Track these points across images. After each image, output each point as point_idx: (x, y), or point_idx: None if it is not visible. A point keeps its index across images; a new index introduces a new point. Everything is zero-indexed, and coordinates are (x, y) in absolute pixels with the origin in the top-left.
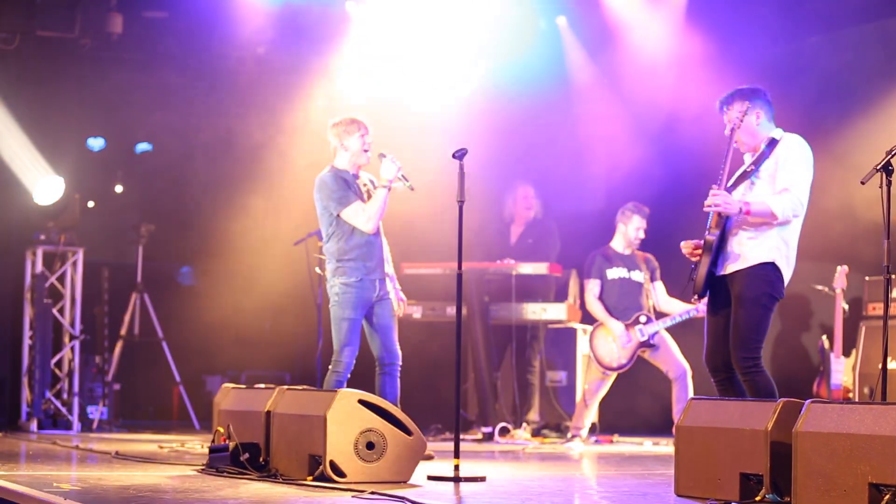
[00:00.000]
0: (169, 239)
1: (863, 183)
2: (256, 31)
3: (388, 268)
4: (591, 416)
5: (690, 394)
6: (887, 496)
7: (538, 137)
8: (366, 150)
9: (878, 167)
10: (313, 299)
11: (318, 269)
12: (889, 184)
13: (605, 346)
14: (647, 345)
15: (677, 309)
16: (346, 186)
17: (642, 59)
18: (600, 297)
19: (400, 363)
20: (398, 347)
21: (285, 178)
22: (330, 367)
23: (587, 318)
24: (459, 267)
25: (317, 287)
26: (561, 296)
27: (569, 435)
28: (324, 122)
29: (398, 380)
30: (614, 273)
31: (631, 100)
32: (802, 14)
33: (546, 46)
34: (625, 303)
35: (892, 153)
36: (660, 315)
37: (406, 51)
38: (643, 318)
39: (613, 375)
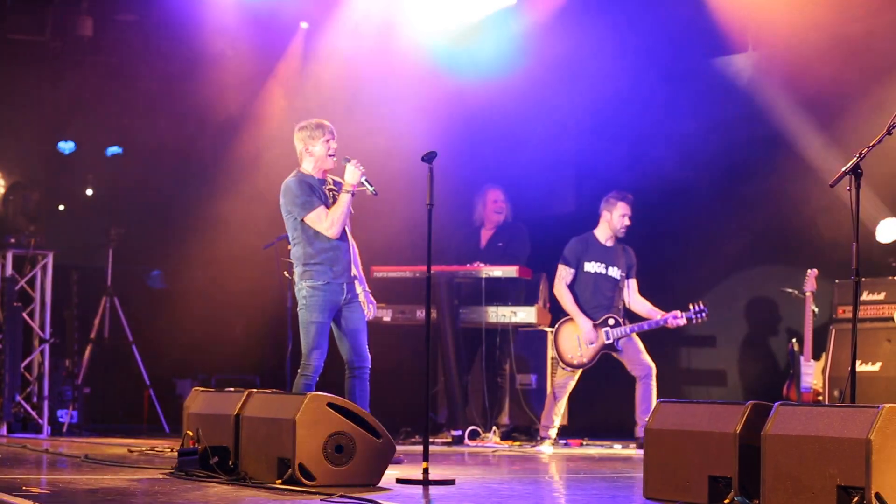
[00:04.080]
0: (139, 242)
1: (832, 186)
2: (226, 35)
3: (357, 271)
4: (560, 413)
5: (654, 394)
6: (856, 499)
7: (508, 140)
8: (331, 155)
9: (846, 170)
10: (283, 303)
11: (286, 274)
12: (858, 187)
13: (568, 343)
14: (611, 348)
15: (645, 309)
16: (311, 191)
17: (614, 62)
18: (571, 288)
19: (369, 366)
20: (367, 351)
21: (256, 181)
22: (299, 370)
23: (556, 321)
24: (429, 270)
25: (286, 290)
26: (531, 299)
27: (538, 436)
28: (293, 126)
29: (368, 383)
30: (592, 267)
31: (601, 102)
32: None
33: (516, 49)
34: (597, 300)
35: (861, 156)
36: (627, 313)
37: (373, 55)
38: (611, 321)
39: (579, 371)
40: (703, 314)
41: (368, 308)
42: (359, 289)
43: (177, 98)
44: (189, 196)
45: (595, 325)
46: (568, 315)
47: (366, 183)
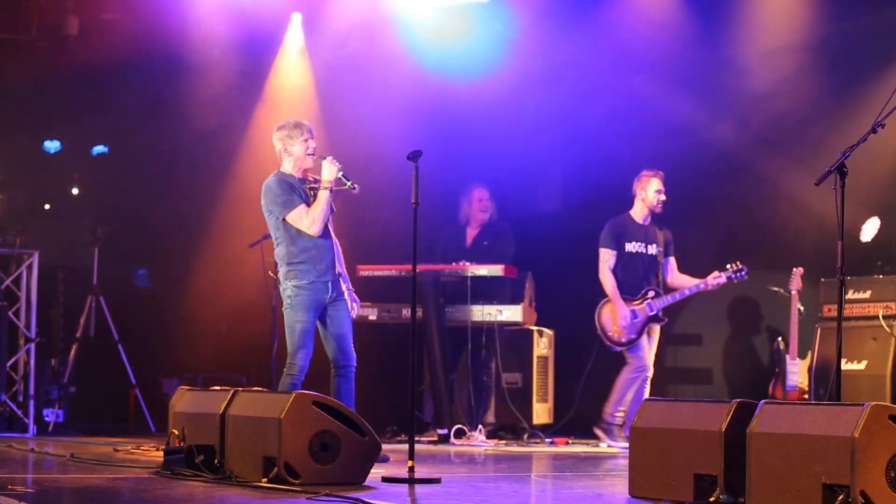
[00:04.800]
0: (125, 241)
1: (817, 184)
2: (212, 34)
3: (340, 269)
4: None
5: (646, 395)
6: (841, 496)
7: (493, 139)
8: (310, 154)
9: (832, 169)
10: (268, 302)
11: (271, 273)
12: (843, 185)
13: (611, 322)
14: (655, 319)
15: (686, 284)
16: (291, 190)
17: (601, 58)
18: (613, 270)
19: (355, 365)
20: (351, 349)
21: (241, 180)
22: (284, 370)
23: (543, 320)
24: (414, 269)
25: (272, 289)
26: (517, 297)
27: (603, 424)
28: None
29: (353, 381)
30: (632, 247)
31: (587, 100)
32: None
33: (501, 48)
34: (637, 279)
35: (846, 155)
36: (668, 290)
37: (359, 55)
38: (651, 294)
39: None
40: (744, 272)
41: (352, 306)
42: (343, 287)
43: (163, 97)
44: (175, 195)
45: (634, 302)
46: (607, 297)
47: (343, 178)
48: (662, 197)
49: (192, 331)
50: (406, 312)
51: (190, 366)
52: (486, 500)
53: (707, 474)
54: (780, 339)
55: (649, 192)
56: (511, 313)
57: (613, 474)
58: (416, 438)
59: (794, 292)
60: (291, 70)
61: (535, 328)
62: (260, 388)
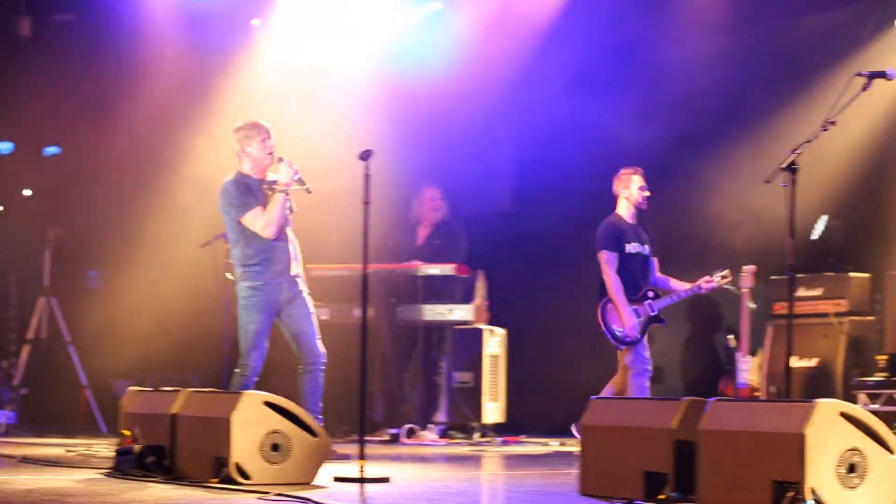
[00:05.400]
0: (77, 243)
1: (767, 182)
2: (164, 34)
3: (298, 269)
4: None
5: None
6: (791, 493)
7: (445, 139)
8: (269, 154)
9: (782, 166)
10: (220, 302)
11: (228, 275)
12: (793, 183)
13: (617, 319)
14: (656, 320)
15: (676, 286)
16: (248, 192)
17: (550, 62)
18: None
19: (322, 361)
20: (319, 346)
21: (193, 180)
22: (237, 370)
23: (495, 319)
24: (365, 268)
25: (223, 290)
26: (468, 297)
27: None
28: (231, 125)
29: (320, 379)
30: (631, 248)
31: (539, 101)
32: (709, 19)
33: (454, 49)
34: (634, 279)
35: (797, 152)
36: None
37: (310, 57)
38: (651, 294)
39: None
40: (729, 280)
41: None
42: (303, 285)
43: (116, 98)
44: (126, 195)
45: (635, 302)
46: (607, 297)
47: (299, 181)
48: (647, 193)
49: (144, 332)
50: (357, 312)
51: (141, 367)
52: (437, 499)
53: (657, 472)
54: (731, 336)
55: (633, 190)
56: (462, 312)
57: (564, 473)
58: (368, 438)
59: (744, 290)
60: (245, 73)
61: (486, 327)
62: (211, 389)
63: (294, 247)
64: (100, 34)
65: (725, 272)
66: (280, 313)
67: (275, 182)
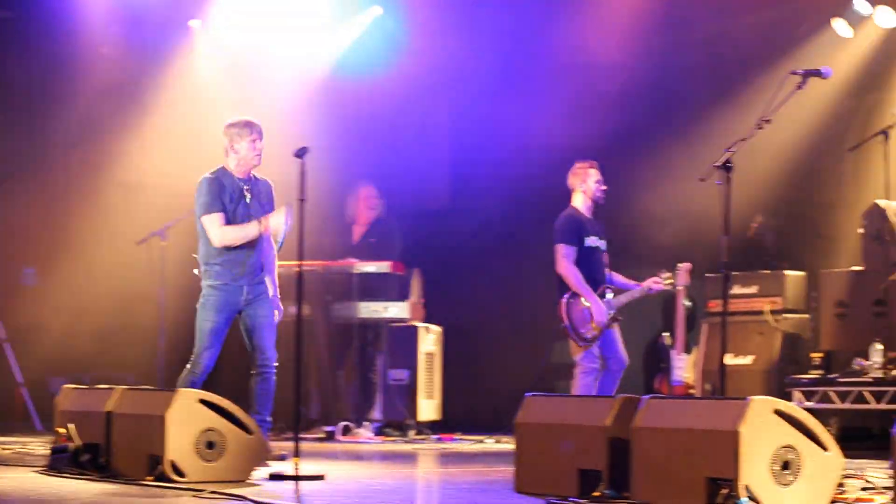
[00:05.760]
0: (12, 239)
1: (702, 180)
2: (100, 34)
3: (271, 274)
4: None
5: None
6: (724, 491)
7: (381, 136)
8: (257, 155)
9: (717, 165)
10: (155, 300)
11: (195, 271)
12: (728, 181)
13: (580, 315)
14: (615, 318)
15: (619, 281)
16: (219, 192)
17: (489, 61)
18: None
19: (274, 365)
20: (271, 349)
21: (131, 177)
22: (188, 366)
23: (430, 317)
24: (301, 266)
25: (159, 287)
26: (403, 294)
27: None
28: (169, 122)
29: (272, 383)
30: (590, 241)
31: (477, 99)
32: (643, 18)
33: (391, 48)
34: (593, 273)
35: (732, 150)
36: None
37: (247, 57)
38: (609, 293)
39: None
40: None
41: (276, 313)
42: (269, 288)
43: (54, 95)
44: (63, 192)
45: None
46: (570, 290)
47: (280, 236)
48: (603, 186)
49: (79, 329)
50: (292, 309)
51: (76, 364)
52: (372, 496)
53: (592, 469)
54: (666, 334)
55: (590, 184)
56: (398, 310)
57: (499, 470)
58: (303, 435)
59: (680, 288)
60: (181, 73)
61: (421, 325)
62: (146, 387)
63: (269, 251)
64: (37, 32)
65: (668, 275)
66: (241, 313)
67: (258, 182)
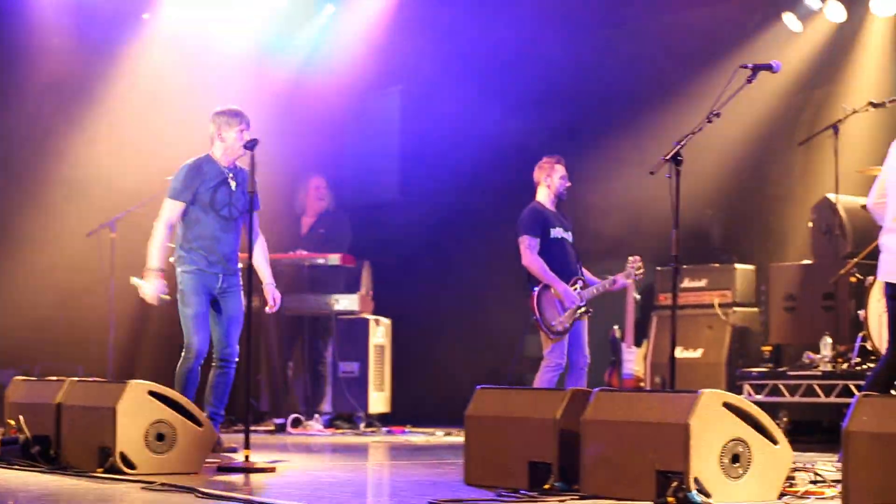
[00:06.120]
0: None
1: (652, 174)
2: (51, 26)
3: (264, 264)
4: None
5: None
6: (674, 483)
7: (331, 129)
8: (243, 145)
9: (666, 158)
10: (105, 292)
11: (171, 258)
12: (678, 174)
13: (550, 309)
14: (586, 312)
15: (589, 278)
16: (192, 180)
17: (438, 55)
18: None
19: (235, 360)
20: (234, 344)
21: (77, 168)
22: (182, 353)
23: (379, 309)
24: (250, 258)
25: (109, 279)
26: (353, 287)
27: None
28: (120, 113)
29: (230, 377)
30: (556, 232)
31: (427, 93)
32: (594, 12)
33: (341, 40)
34: (562, 265)
35: (681, 144)
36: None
37: (196, 49)
38: (580, 284)
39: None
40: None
41: (271, 301)
42: (265, 280)
43: (1, 87)
44: (11, 184)
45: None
46: (540, 283)
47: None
48: (568, 183)
49: (28, 321)
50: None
51: (26, 356)
52: (322, 488)
53: (542, 462)
54: (615, 327)
55: (555, 179)
56: (348, 302)
57: (449, 462)
58: (253, 428)
59: (629, 281)
60: (130, 67)
61: (371, 317)
62: (95, 378)
63: (261, 244)
64: None
65: (639, 264)
66: (214, 301)
67: (242, 171)
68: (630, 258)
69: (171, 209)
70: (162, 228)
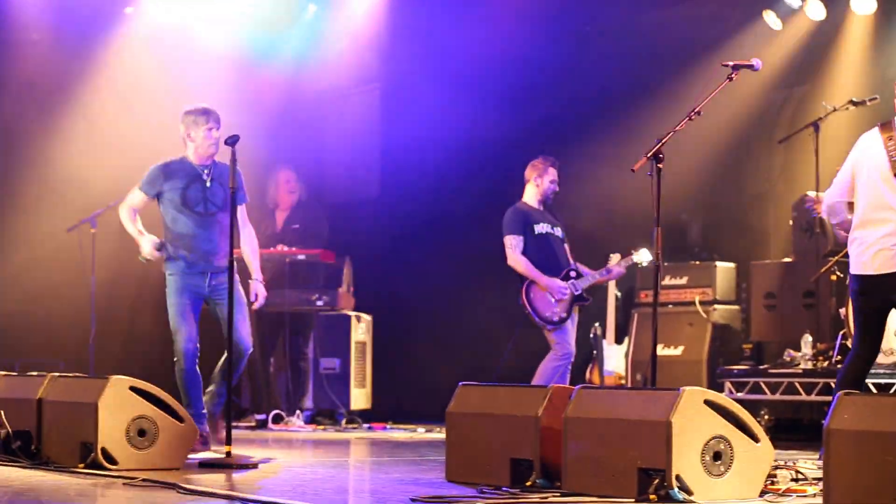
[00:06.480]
0: None
1: (633, 171)
2: (30, 18)
3: (247, 255)
4: None
5: (566, 382)
6: (656, 480)
7: (312, 125)
8: (213, 143)
9: (647, 155)
10: (86, 287)
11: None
12: (659, 171)
13: (542, 301)
14: (580, 299)
15: (583, 270)
16: (156, 178)
17: (415, 47)
18: (526, 255)
19: (246, 353)
20: (244, 338)
21: (57, 163)
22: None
23: (360, 306)
24: (231, 254)
25: (90, 274)
26: (334, 283)
27: None
28: (99, 109)
29: (240, 364)
30: (541, 228)
31: (408, 88)
32: (563, 6)
33: (321, 35)
34: (550, 259)
35: (662, 141)
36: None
37: (176, 43)
38: (573, 274)
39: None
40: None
41: (254, 295)
42: (255, 279)
43: None
44: None
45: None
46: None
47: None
48: (556, 188)
49: (9, 316)
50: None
51: (7, 351)
52: (303, 484)
53: (524, 459)
54: (597, 324)
55: (545, 181)
56: (329, 298)
57: (430, 459)
58: (234, 424)
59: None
60: (113, 61)
61: (352, 313)
62: (76, 374)
63: (251, 239)
64: None
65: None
66: (207, 300)
67: (222, 167)
68: (611, 255)
69: (133, 196)
70: (125, 210)
